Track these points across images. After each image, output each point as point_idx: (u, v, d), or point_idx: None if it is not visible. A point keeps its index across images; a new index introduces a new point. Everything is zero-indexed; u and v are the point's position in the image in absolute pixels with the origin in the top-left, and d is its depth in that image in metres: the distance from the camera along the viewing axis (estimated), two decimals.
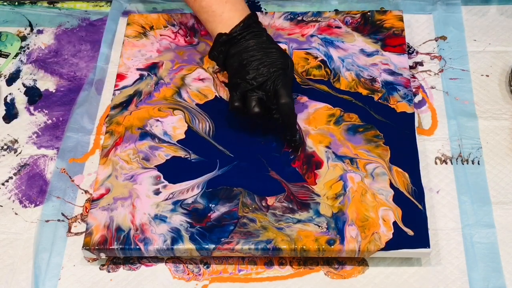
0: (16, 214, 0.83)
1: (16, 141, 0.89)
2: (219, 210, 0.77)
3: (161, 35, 0.94)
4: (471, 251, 0.75)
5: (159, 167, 0.81)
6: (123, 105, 0.87)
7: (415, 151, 0.80)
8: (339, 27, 0.92)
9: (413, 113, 0.83)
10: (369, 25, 0.92)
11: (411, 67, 0.90)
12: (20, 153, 0.88)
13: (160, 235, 0.75)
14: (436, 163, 0.82)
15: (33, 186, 0.85)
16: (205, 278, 0.76)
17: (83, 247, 0.75)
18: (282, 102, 0.77)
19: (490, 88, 0.88)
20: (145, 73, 0.90)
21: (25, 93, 0.94)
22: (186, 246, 0.74)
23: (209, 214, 0.77)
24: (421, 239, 0.73)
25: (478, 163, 0.82)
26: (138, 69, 0.90)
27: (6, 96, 0.94)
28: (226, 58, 0.81)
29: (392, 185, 0.77)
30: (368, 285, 0.74)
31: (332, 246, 0.73)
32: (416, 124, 0.83)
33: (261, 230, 0.75)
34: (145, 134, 0.84)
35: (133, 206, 0.78)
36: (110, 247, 0.75)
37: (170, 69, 0.90)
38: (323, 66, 0.88)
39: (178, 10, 1.00)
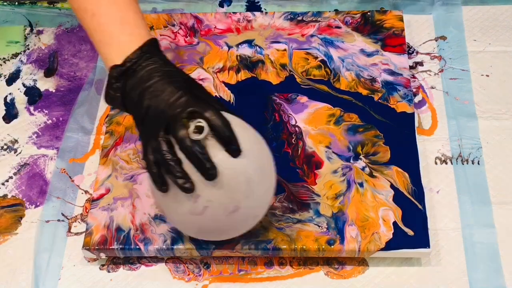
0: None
1: (16, 141, 0.89)
2: None
3: (161, 35, 0.94)
4: (471, 251, 0.75)
5: None
6: None
7: (415, 151, 0.79)
8: (339, 27, 0.92)
9: (413, 113, 0.83)
10: (369, 25, 0.92)
11: (411, 67, 0.90)
12: (20, 153, 0.88)
13: (160, 235, 0.75)
14: (436, 163, 0.82)
15: (33, 186, 0.85)
16: (205, 278, 0.76)
17: (83, 247, 0.75)
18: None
19: (490, 88, 0.88)
20: None
21: (25, 93, 0.94)
22: (186, 246, 0.74)
23: None
24: (421, 239, 0.73)
25: (478, 163, 0.81)
26: None
27: (6, 96, 0.94)
28: (124, 95, 0.69)
29: (392, 185, 0.77)
30: (368, 285, 0.74)
31: (332, 246, 0.73)
32: (416, 124, 0.83)
33: (261, 230, 0.75)
34: None
35: (133, 206, 0.78)
36: (110, 247, 0.75)
37: None
38: (323, 66, 0.88)
39: (178, 10, 1.00)
